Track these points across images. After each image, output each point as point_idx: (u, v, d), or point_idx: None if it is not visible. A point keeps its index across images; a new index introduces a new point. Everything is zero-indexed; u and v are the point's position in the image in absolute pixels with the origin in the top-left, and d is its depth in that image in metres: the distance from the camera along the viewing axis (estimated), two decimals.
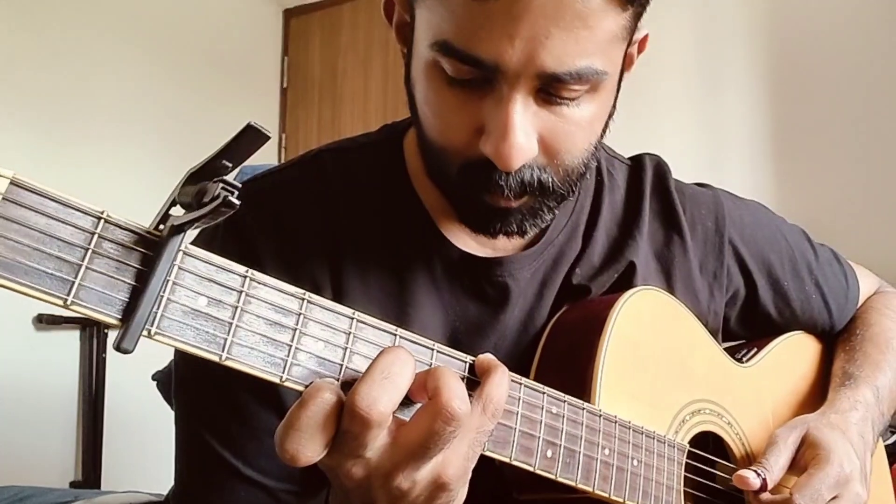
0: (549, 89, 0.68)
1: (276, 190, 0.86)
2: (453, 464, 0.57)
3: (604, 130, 0.79)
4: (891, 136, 2.77)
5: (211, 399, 0.80)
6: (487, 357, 0.63)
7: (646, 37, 0.81)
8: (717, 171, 2.93)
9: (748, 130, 3.02)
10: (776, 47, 3.02)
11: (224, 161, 0.46)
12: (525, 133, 0.68)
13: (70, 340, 2.99)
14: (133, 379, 2.84)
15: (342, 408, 0.52)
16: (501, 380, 0.60)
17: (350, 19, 4.13)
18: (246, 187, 0.85)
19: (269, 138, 0.45)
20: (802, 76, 2.95)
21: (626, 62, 0.78)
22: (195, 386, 0.82)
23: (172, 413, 0.85)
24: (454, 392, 0.54)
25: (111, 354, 3.02)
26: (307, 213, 0.83)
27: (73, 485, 2.81)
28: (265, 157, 3.26)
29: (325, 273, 0.81)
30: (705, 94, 3.12)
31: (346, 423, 0.52)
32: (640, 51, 0.82)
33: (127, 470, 2.97)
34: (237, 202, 0.45)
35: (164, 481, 0.98)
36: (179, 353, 0.83)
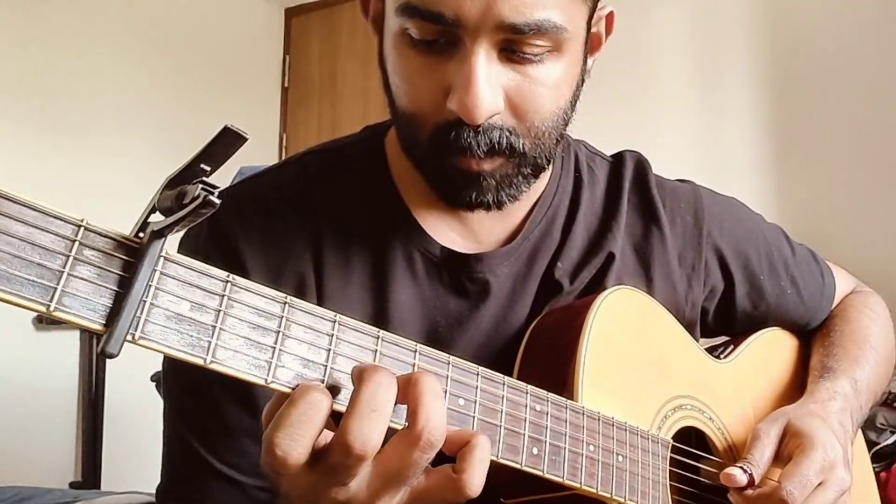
0: (512, 45, 0.70)
1: (259, 193, 0.87)
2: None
3: (573, 101, 0.80)
4: (892, 135, 2.76)
5: (188, 396, 0.82)
6: (457, 434, 0.60)
7: (611, 14, 0.82)
8: (717, 171, 2.93)
9: (748, 130, 3.03)
10: (776, 46, 3.02)
11: (202, 164, 0.46)
12: (489, 85, 0.70)
13: (70, 340, 2.99)
14: (133, 379, 2.85)
15: (330, 409, 0.53)
16: (481, 459, 0.59)
17: (350, 19, 4.13)
18: (230, 191, 0.86)
19: (246, 140, 0.46)
20: (803, 75, 2.95)
21: (593, 43, 0.80)
22: (175, 382, 0.84)
23: None
24: (433, 420, 0.55)
25: None
26: (290, 213, 0.85)
27: (73, 485, 2.81)
28: (266, 158, 3.27)
29: (309, 272, 0.83)
30: (705, 94, 3.12)
31: (338, 457, 0.52)
32: (607, 32, 0.84)
33: (127, 470, 2.97)
34: (217, 201, 0.45)
35: None
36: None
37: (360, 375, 0.54)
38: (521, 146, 0.75)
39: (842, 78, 2.86)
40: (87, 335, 3.00)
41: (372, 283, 0.84)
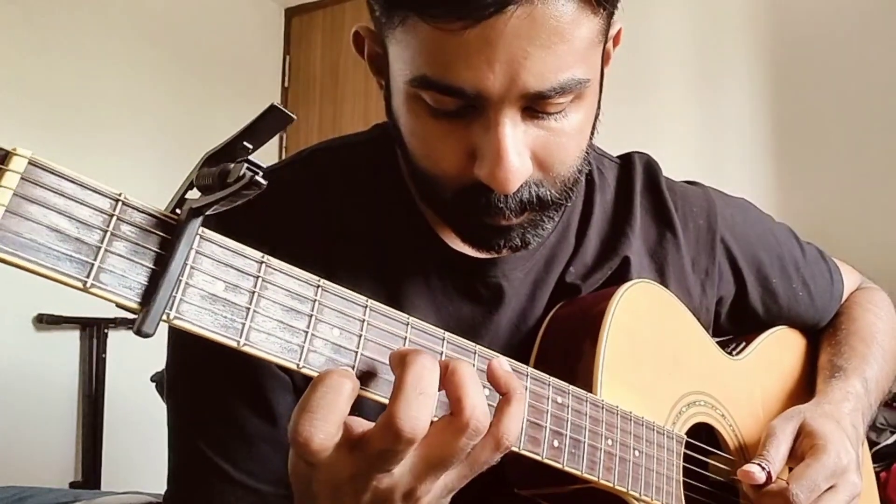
0: (535, 106, 0.68)
1: (268, 191, 0.85)
2: (457, 480, 0.59)
3: (592, 133, 0.79)
4: (892, 134, 2.76)
5: (201, 403, 0.80)
6: (505, 374, 0.61)
7: (620, 30, 0.80)
8: (718, 171, 2.93)
9: (748, 129, 3.02)
10: (777, 45, 3.01)
11: (245, 143, 0.45)
12: (518, 154, 0.68)
13: (70, 340, 2.98)
14: (133, 379, 2.84)
15: (354, 392, 0.53)
16: (519, 410, 0.59)
17: (352, 18, 4.12)
18: None
19: (293, 120, 0.45)
20: (803, 74, 2.94)
21: (605, 60, 0.78)
22: (185, 390, 0.82)
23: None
24: (478, 407, 0.55)
25: (111, 354, 3.02)
26: (299, 214, 0.83)
27: (73, 485, 2.80)
28: (266, 157, 3.27)
29: (318, 274, 0.81)
30: (705, 93, 3.11)
31: (385, 442, 0.52)
32: (615, 44, 0.82)
33: (127, 470, 2.96)
34: (264, 182, 0.44)
35: (164, 481, 0.98)
36: (170, 358, 0.84)
37: (402, 359, 0.54)
38: (548, 196, 0.74)
39: (842, 77, 2.85)
40: (88, 335, 3.00)
41: (383, 287, 0.82)
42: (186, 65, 3.62)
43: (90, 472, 2.86)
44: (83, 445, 2.92)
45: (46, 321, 2.86)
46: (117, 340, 3.06)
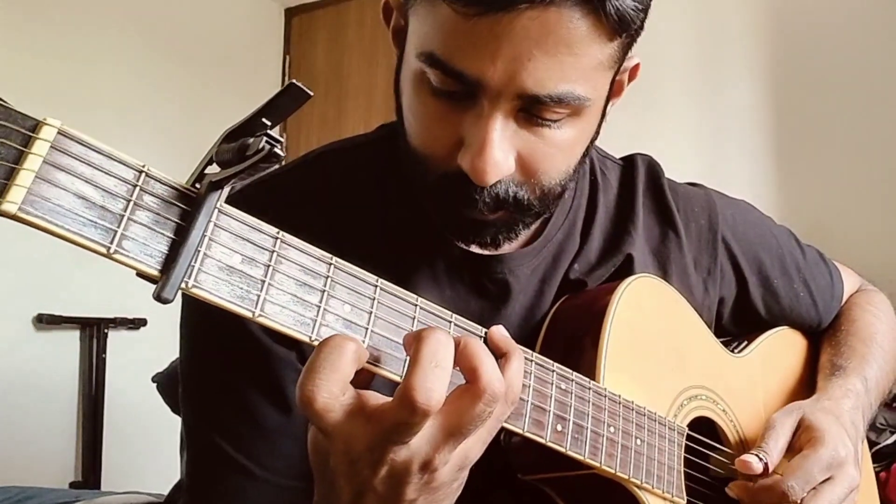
0: (531, 110, 0.69)
1: (277, 192, 0.86)
2: (476, 447, 0.59)
3: (585, 154, 0.80)
4: (893, 135, 2.76)
5: (218, 401, 0.81)
6: (503, 337, 0.64)
7: (637, 65, 0.82)
8: (718, 172, 2.92)
9: (749, 130, 3.01)
10: (778, 46, 3.00)
11: (263, 119, 0.47)
12: (502, 150, 0.69)
13: (70, 340, 2.98)
14: (133, 379, 2.84)
15: (359, 356, 0.54)
16: (520, 366, 0.62)
17: (356, 18, 4.12)
18: (247, 190, 0.83)
19: (310, 97, 0.47)
20: (804, 75, 2.92)
21: (615, 89, 0.79)
22: (201, 389, 0.83)
23: (173, 415, 0.85)
24: (494, 374, 0.56)
25: (111, 354, 3.02)
26: (308, 215, 0.82)
27: (73, 485, 2.80)
28: None
29: None
30: (706, 94, 3.09)
31: (401, 414, 0.53)
32: (630, 78, 0.83)
33: (127, 470, 2.95)
34: (282, 154, 0.46)
35: (165, 481, 0.97)
36: (183, 352, 0.84)
37: (418, 335, 0.55)
38: (525, 200, 0.75)
39: (842, 78, 2.83)
40: (88, 335, 3.00)
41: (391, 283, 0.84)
42: (186, 65, 3.63)
43: (90, 472, 2.85)
44: (83, 445, 2.91)
45: (46, 321, 2.87)
46: (117, 340, 3.06)
